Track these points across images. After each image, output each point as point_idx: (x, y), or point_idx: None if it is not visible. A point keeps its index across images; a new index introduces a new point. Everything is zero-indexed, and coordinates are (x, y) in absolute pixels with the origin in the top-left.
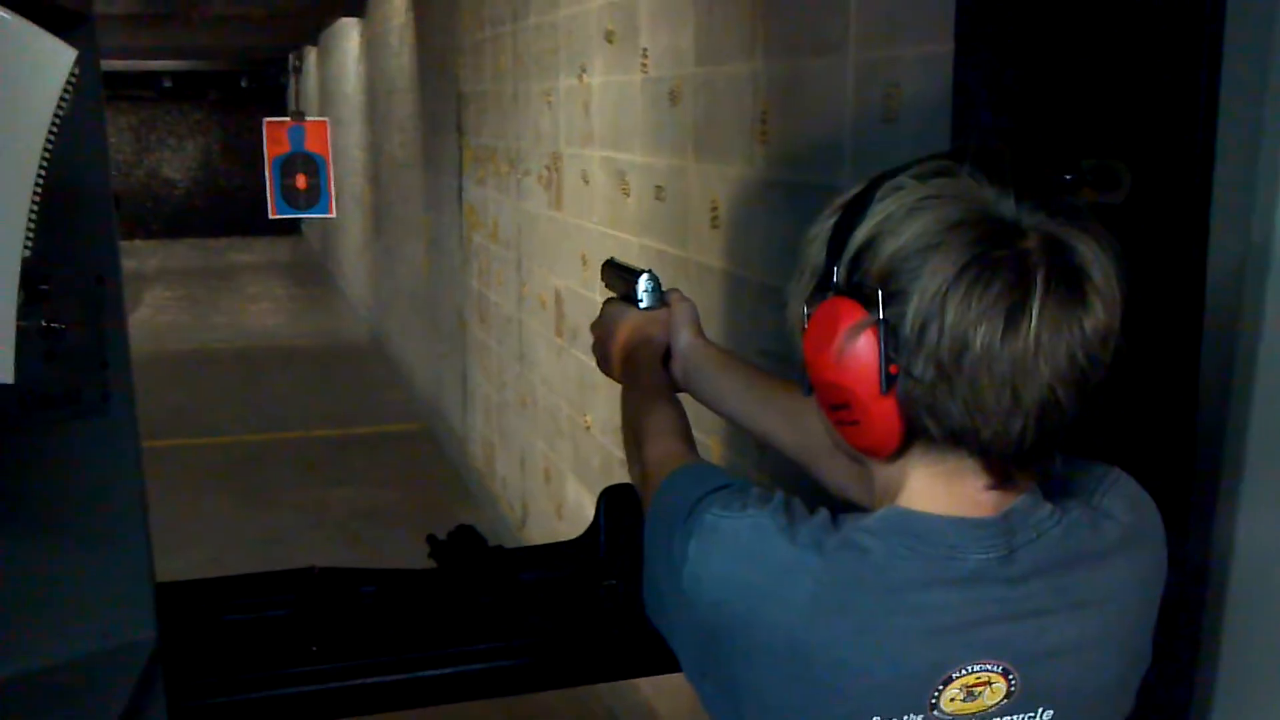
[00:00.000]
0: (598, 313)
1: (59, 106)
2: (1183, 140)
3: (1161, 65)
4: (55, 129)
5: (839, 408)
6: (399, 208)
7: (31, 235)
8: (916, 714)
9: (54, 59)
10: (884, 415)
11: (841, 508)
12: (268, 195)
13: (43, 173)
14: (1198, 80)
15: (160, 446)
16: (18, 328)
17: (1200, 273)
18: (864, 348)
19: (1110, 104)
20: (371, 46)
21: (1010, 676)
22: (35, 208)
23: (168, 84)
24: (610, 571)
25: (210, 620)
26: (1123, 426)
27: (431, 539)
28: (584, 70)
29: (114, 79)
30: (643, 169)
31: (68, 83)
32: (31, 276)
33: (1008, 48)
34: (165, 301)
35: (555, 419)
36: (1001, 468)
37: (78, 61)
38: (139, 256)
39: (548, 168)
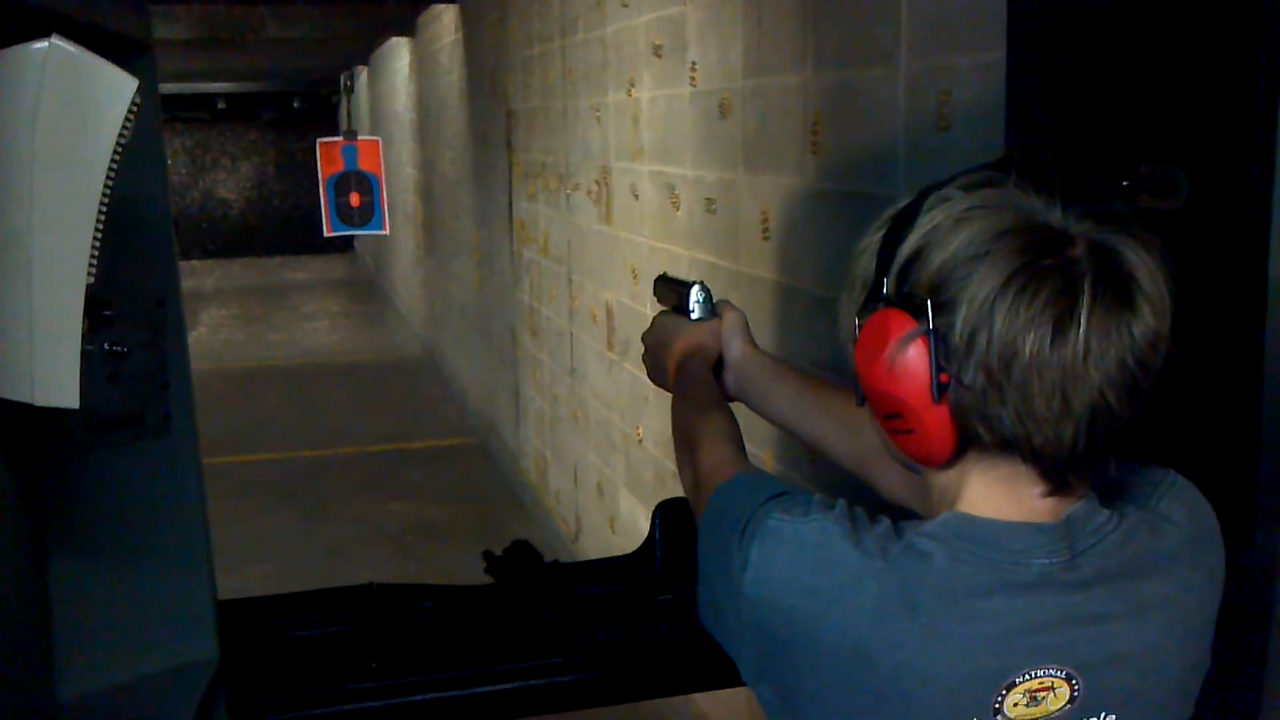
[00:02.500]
0: (649, 325)
1: (121, 135)
2: (1242, 144)
3: (1219, 69)
4: (117, 157)
5: (892, 417)
6: (450, 224)
7: (95, 263)
8: (980, 719)
9: (116, 88)
10: (937, 424)
11: (898, 514)
12: (322, 213)
13: (105, 201)
14: (1257, 83)
15: (219, 463)
16: (83, 352)
17: (1261, 278)
18: (915, 358)
19: (1167, 109)
20: (421, 65)
21: (1074, 682)
22: (98, 236)
23: (222, 106)
24: (666, 586)
25: (271, 638)
26: (1186, 434)
27: (488, 555)
28: (632, 84)
29: (169, 102)
30: (693, 182)
31: (129, 111)
32: (95, 303)
33: (1061, 53)
34: (222, 320)
35: (607, 432)
36: (1056, 473)
37: (139, 90)
38: (196, 276)
39: (597, 182)
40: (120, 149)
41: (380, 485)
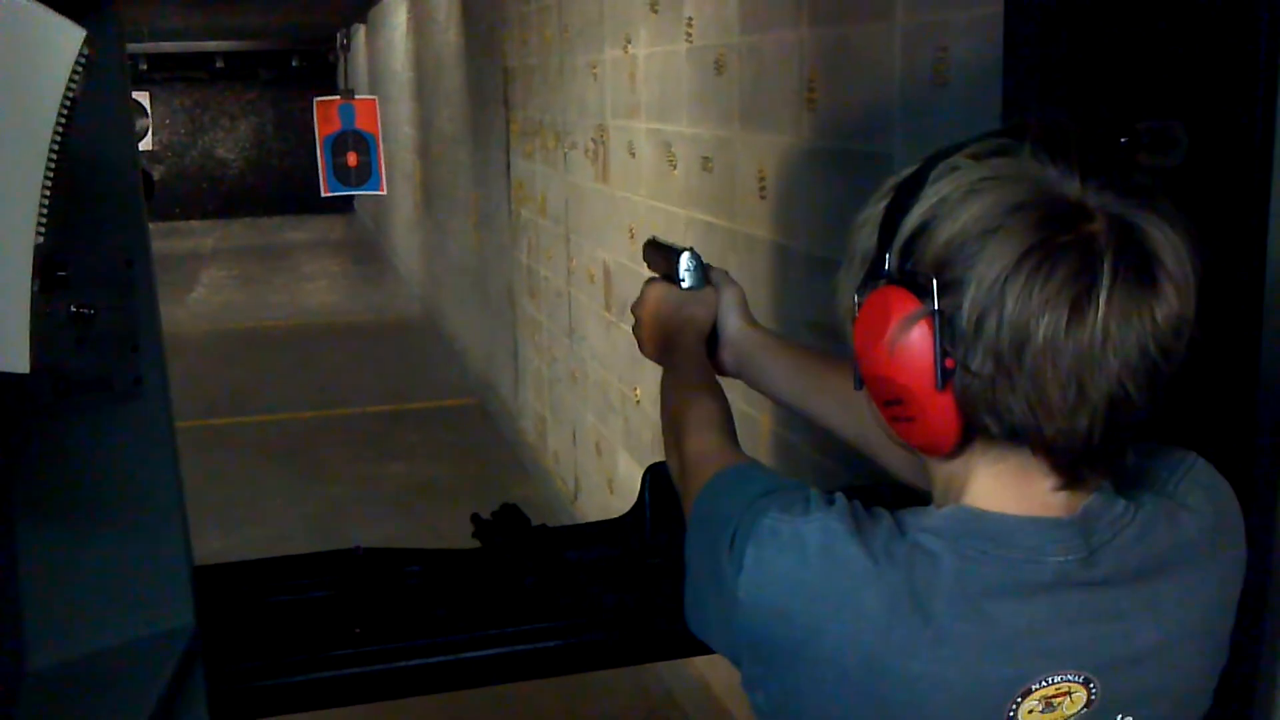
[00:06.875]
0: (638, 294)
1: (69, 88)
2: (1243, 99)
3: (1220, 21)
4: (66, 112)
5: (892, 403)
6: (448, 184)
7: (44, 221)
8: None
9: (62, 39)
10: (940, 412)
11: (903, 491)
12: (319, 174)
13: (54, 157)
14: (1258, 36)
15: (218, 424)
16: (44, 314)
17: (1261, 238)
18: (917, 341)
19: (1166, 63)
20: (419, 22)
21: (1091, 685)
22: (47, 194)
23: (220, 65)
24: (656, 549)
25: (253, 603)
26: (1178, 409)
27: (475, 518)
28: (629, 41)
29: (167, 61)
30: (689, 140)
31: (77, 63)
32: (50, 263)
33: (1059, 7)
34: (221, 281)
35: (605, 393)
36: (1069, 467)
37: (88, 41)
38: (195, 237)
39: (594, 140)
40: (70, 103)
41: (379, 446)
